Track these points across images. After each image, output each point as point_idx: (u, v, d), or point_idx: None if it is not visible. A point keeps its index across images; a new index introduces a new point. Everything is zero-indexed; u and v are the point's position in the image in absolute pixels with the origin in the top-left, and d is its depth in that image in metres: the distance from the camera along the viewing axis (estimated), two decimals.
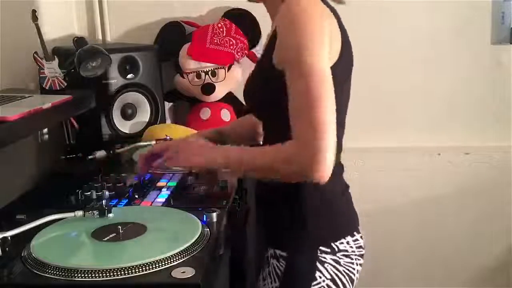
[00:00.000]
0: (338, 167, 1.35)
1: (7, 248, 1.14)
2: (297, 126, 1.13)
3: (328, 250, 1.29)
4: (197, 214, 1.30)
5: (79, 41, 1.79)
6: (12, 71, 1.83)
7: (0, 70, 1.76)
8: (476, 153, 2.49)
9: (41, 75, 1.79)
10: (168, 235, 1.21)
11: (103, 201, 1.41)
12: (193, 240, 1.16)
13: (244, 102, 1.46)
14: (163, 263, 1.07)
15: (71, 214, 1.28)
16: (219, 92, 2.29)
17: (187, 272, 1.04)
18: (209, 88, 2.27)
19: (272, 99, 1.24)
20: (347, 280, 1.32)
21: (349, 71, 1.33)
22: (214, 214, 1.29)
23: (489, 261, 2.57)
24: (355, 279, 1.35)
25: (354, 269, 1.34)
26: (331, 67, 1.18)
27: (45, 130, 1.98)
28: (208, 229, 1.23)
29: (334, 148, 1.12)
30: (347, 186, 1.40)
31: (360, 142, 2.19)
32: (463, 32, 2.41)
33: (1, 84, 1.76)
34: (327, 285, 1.30)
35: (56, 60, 1.82)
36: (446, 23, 2.41)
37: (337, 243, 1.31)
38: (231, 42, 2.29)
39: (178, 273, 1.04)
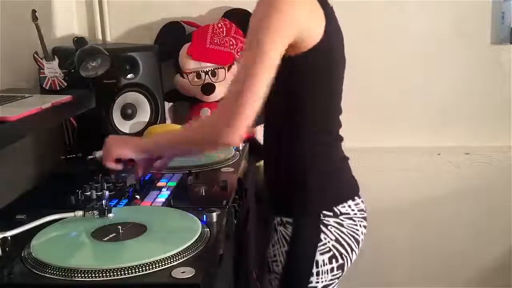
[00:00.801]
0: (336, 140, 1.47)
1: (7, 248, 1.14)
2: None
3: (331, 213, 1.39)
4: (197, 214, 1.30)
5: (79, 41, 1.79)
6: (12, 71, 1.83)
7: (0, 70, 1.76)
8: (476, 153, 2.49)
9: (41, 75, 1.79)
10: (168, 235, 1.20)
11: (103, 201, 1.41)
12: (193, 240, 1.15)
13: None
14: (163, 263, 1.07)
15: (71, 214, 1.27)
16: (219, 92, 2.29)
17: (187, 272, 1.04)
18: (209, 88, 2.27)
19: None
20: (351, 240, 1.42)
21: (332, 61, 1.38)
22: (214, 214, 1.29)
23: (489, 261, 2.57)
24: (360, 240, 1.45)
25: (358, 230, 1.43)
26: (304, 53, 1.28)
27: (45, 130, 1.98)
28: (208, 229, 1.23)
29: (249, 119, 1.20)
30: (346, 158, 1.49)
31: (360, 142, 2.19)
32: (463, 32, 2.41)
33: (1, 84, 1.76)
34: (333, 245, 1.39)
35: (56, 60, 1.82)
36: (446, 23, 2.41)
37: (339, 207, 1.40)
38: (231, 42, 2.29)
39: (178, 273, 1.04)
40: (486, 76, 2.44)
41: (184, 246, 1.12)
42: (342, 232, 1.40)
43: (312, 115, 1.38)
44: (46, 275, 1.06)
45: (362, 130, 2.33)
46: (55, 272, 1.05)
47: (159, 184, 1.58)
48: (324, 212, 1.38)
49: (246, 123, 1.20)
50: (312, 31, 1.29)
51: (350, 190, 1.46)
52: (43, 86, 1.79)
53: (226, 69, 2.28)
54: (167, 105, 2.39)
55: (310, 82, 1.35)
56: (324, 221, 1.38)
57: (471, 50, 2.42)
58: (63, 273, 1.05)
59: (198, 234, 1.19)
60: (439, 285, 2.58)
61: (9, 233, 1.16)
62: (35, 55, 1.80)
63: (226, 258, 1.28)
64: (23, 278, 1.06)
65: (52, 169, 1.90)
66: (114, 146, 1.42)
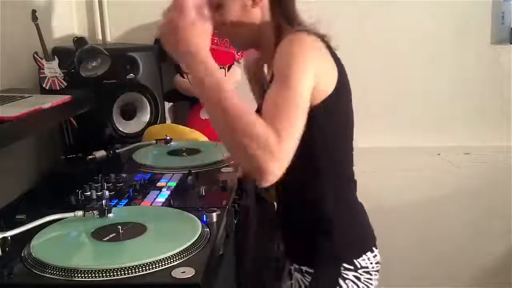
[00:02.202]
0: (354, 183, 1.44)
1: (7, 248, 1.14)
2: (277, 118, 1.14)
3: (351, 267, 1.36)
4: (197, 214, 1.30)
5: (79, 41, 1.79)
6: (12, 71, 1.83)
7: (0, 70, 1.76)
8: (476, 153, 2.49)
9: (41, 75, 1.79)
10: (168, 235, 1.20)
11: (103, 201, 1.41)
12: (193, 240, 1.15)
13: None
14: (163, 263, 1.07)
15: (71, 214, 1.27)
16: None
17: (187, 272, 1.04)
18: None
19: None
20: None
21: (348, 101, 1.38)
22: (214, 214, 1.29)
23: (489, 261, 2.57)
24: None
25: (372, 284, 1.39)
26: (325, 99, 1.26)
27: (45, 130, 1.98)
28: (208, 229, 1.23)
29: (290, 156, 1.14)
30: (361, 204, 1.46)
31: (360, 142, 2.19)
32: (463, 32, 2.41)
33: (1, 84, 1.76)
34: None
35: (56, 60, 1.82)
36: (446, 23, 2.41)
37: (359, 260, 1.37)
38: None
39: (178, 273, 1.04)
40: (486, 76, 2.44)
41: (184, 246, 1.12)
42: (358, 286, 1.37)
43: (335, 158, 1.37)
44: (46, 275, 1.05)
45: (362, 130, 2.32)
46: (55, 272, 1.05)
47: (159, 184, 1.57)
48: (345, 265, 1.35)
49: (289, 156, 1.14)
50: (326, 81, 1.28)
51: (370, 239, 1.43)
52: (43, 86, 1.79)
53: (226, 69, 2.28)
54: (167, 105, 2.39)
55: (333, 128, 1.34)
56: (343, 274, 1.35)
57: (471, 50, 2.42)
58: (63, 273, 1.05)
59: (198, 234, 1.19)
60: (439, 285, 2.58)
61: (9, 233, 1.16)
62: (35, 55, 1.80)
63: (226, 258, 1.28)
64: (23, 278, 1.06)
65: (52, 169, 1.90)
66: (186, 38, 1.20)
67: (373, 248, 1.41)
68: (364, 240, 1.41)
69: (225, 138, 1.16)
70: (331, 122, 1.32)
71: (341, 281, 1.35)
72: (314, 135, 1.28)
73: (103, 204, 1.35)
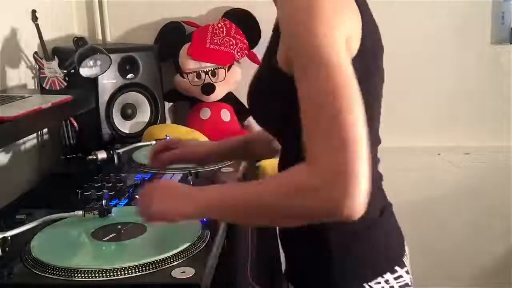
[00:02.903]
0: (378, 182, 1.11)
1: (7, 248, 1.14)
2: (312, 144, 0.82)
3: None
4: None
5: (79, 41, 1.79)
6: (12, 71, 1.83)
7: (0, 70, 1.76)
8: (476, 153, 2.48)
9: (41, 75, 1.79)
10: (168, 235, 1.20)
11: (103, 201, 1.41)
12: (193, 240, 1.15)
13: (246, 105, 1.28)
14: (163, 263, 1.07)
15: (71, 214, 1.28)
16: (219, 92, 2.29)
17: (187, 272, 1.04)
18: (209, 88, 2.27)
19: (281, 111, 1.00)
20: None
21: (376, 58, 1.05)
22: None
23: (490, 261, 2.57)
24: None
25: None
26: (353, 59, 0.90)
27: (45, 130, 1.98)
28: (208, 229, 1.23)
29: (368, 172, 0.80)
30: (389, 204, 1.13)
31: None
32: (463, 32, 2.41)
33: (1, 84, 1.76)
34: None
35: (56, 60, 1.82)
36: (446, 23, 2.41)
37: (371, 283, 1.02)
38: (231, 42, 2.29)
39: (178, 273, 1.04)
40: (486, 76, 2.44)
41: (184, 246, 1.12)
42: None
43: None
44: (46, 275, 1.06)
45: None
46: (55, 272, 1.05)
47: None
48: None
49: (366, 177, 0.79)
50: (352, 35, 0.95)
51: (389, 257, 1.07)
52: (43, 86, 1.79)
53: (226, 69, 2.28)
54: (167, 105, 2.39)
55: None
56: None
57: (471, 50, 2.42)
58: (63, 273, 1.05)
59: (198, 234, 1.19)
60: (439, 285, 2.58)
61: (9, 233, 1.16)
62: (35, 55, 1.80)
63: (226, 258, 1.28)
64: (23, 278, 1.06)
65: (52, 169, 1.90)
66: (157, 200, 1.01)
67: (396, 268, 1.05)
68: (382, 256, 1.06)
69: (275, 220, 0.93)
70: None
71: None
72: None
73: (103, 204, 1.35)
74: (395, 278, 1.04)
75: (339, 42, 0.86)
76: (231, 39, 2.30)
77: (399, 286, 1.04)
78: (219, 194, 0.95)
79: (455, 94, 2.46)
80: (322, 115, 0.81)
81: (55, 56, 1.83)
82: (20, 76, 1.88)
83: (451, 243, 2.54)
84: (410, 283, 1.07)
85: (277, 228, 1.18)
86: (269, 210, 0.87)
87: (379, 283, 1.02)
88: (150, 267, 1.06)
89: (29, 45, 1.88)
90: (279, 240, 1.17)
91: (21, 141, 1.82)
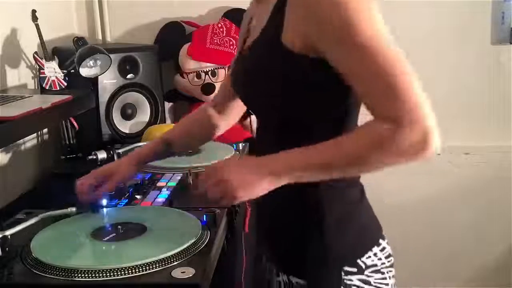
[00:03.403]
0: None
1: (7, 248, 1.14)
2: (388, 104, 0.92)
3: (354, 269, 1.07)
4: (197, 214, 1.30)
5: (79, 41, 1.79)
6: (12, 71, 1.83)
7: (0, 70, 1.76)
8: (476, 153, 2.49)
9: (41, 75, 1.79)
10: (168, 235, 1.20)
11: (99, 198, 1.40)
12: (193, 240, 1.15)
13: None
14: (163, 263, 1.07)
15: (64, 211, 1.29)
16: None
17: (187, 272, 1.04)
18: (209, 88, 2.27)
19: (282, 90, 1.02)
20: None
21: None
22: (214, 214, 1.29)
23: (490, 261, 2.57)
24: None
25: (388, 284, 1.13)
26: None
27: (45, 130, 1.98)
28: (208, 229, 1.23)
29: (429, 110, 0.94)
30: (363, 186, 1.18)
31: None
32: (463, 32, 2.41)
33: (1, 84, 1.76)
34: None
35: (56, 60, 1.82)
36: (446, 23, 2.41)
37: (363, 259, 1.08)
38: (231, 42, 2.29)
39: (178, 273, 1.04)
40: (486, 76, 2.44)
41: (184, 246, 1.12)
42: None
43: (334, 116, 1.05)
44: (46, 275, 1.05)
45: None
46: (55, 272, 1.05)
47: (159, 184, 1.57)
48: (346, 268, 1.06)
49: (433, 119, 0.93)
50: None
51: (375, 231, 1.14)
52: (43, 86, 1.79)
53: (226, 69, 2.28)
54: (167, 105, 2.39)
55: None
56: (346, 280, 1.06)
57: (471, 50, 2.42)
58: (63, 273, 1.05)
59: (198, 234, 1.19)
60: (439, 285, 2.58)
61: (7, 232, 1.17)
62: (35, 55, 1.81)
63: (226, 258, 1.28)
64: (23, 278, 1.06)
65: (52, 169, 1.90)
66: (234, 174, 0.99)
67: (380, 241, 1.12)
68: (368, 232, 1.12)
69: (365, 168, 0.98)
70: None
71: None
72: (318, 82, 1.00)
73: (97, 201, 1.35)
74: (381, 250, 1.12)
75: (378, 14, 0.97)
76: (231, 39, 2.30)
77: (385, 257, 1.12)
78: (303, 156, 0.97)
79: (455, 93, 2.46)
80: (383, 79, 0.92)
81: (55, 56, 1.83)
82: (20, 76, 1.88)
83: (451, 243, 2.54)
84: (392, 253, 1.15)
85: (268, 218, 1.17)
86: (359, 163, 0.96)
87: (369, 257, 1.09)
88: (150, 267, 1.06)
89: (29, 45, 1.89)
90: (270, 231, 1.17)
91: (21, 141, 1.82)
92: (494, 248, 2.55)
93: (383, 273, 1.11)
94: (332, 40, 0.94)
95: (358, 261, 1.07)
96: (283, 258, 1.14)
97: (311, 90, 1.00)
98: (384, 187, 2.46)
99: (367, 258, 1.08)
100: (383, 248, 1.12)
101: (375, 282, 1.09)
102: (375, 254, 1.10)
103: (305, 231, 1.08)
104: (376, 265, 1.10)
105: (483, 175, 2.48)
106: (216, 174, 1.00)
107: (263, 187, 0.98)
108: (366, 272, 1.08)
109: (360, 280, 1.07)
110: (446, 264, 2.56)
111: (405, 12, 2.40)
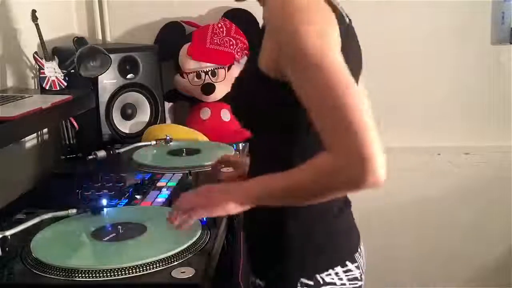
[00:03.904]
0: None
1: (7, 248, 1.14)
2: (328, 134, 0.93)
3: (311, 283, 1.09)
4: None
5: (79, 41, 1.79)
6: (12, 71, 1.83)
7: (0, 70, 1.76)
8: (476, 153, 2.49)
9: (41, 75, 1.79)
10: (168, 235, 1.20)
11: (98, 199, 1.40)
12: (193, 240, 1.16)
13: None
14: (163, 263, 1.07)
15: (65, 212, 1.29)
16: (219, 92, 2.29)
17: (187, 272, 1.04)
18: (209, 88, 2.27)
19: (261, 112, 1.09)
20: None
21: (356, 69, 1.14)
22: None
23: (489, 261, 2.57)
24: None
25: None
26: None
27: (45, 130, 1.98)
28: (208, 230, 1.23)
29: (380, 144, 0.91)
30: (348, 203, 1.20)
31: None
32: (463, 32, 2.41)
33: (1, 84, 1.76)
34: None
35: (56, 60, 1.82)
36: (446, 23, 2.41)
37: (322, 275, 1.10)
38: (231, 42, 2.29)
39: (178, 273, 1.04)
40: (486, 76, 2.44)
41: (184, 246, 1.12)
42: None
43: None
44: (46, 275, 1.06)
45: None
46: (55, 272, 1.05)
47: (159, 184, 1.58)
48: (302, 280, 1.09)
49: (380, 150, 0.91)
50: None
51: (341, 251, 1.14)
52: (43, 86, 1.79)
53: (226, 69, 2.28)
54: (167, 105, 2.39)
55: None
56: None
57: (471, 50, 2.42)
58: (63, 273, 1.05)
59: (198, 234, 1.19)
60: (439, 285, 2.58)
61: (7, 233, 1.17)
62: (35, 55, 1.81)
63: (225, 258, 1.28)
64: (23, 278, 1.07)
65: (52, 169, 1.90)
66: (215, 201, 1.06)
67: (347, 262, 1.12)
68: (334, 251, 1.13)
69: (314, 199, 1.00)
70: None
71: None
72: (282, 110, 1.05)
73: (96, 202, 1.35)
74: (345, 272, 1.12)
75: (333, 41, 0.97)
76: (231, 39, 2.30)
77: (348, 279, 1.12)
78: (258, 186, 1.03)
79: (455, 94, 2.46)
80: (330, 108, 0.92)
81: (55, 56, 1.83)
82: (20, 76, 1.88)
83: (451, 243, 2.54)
84: (359, 278, 1.15)
85: (245, 220, 1.23)
86: (305, 193, 0.98)
87: (329, 274, 1.10)
88: (150, 267, 1.06)
89: (29, 45, 1.88)
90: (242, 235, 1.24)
91: (21, 141, 1.82)
92: (494, 248, 2.55)
93: None
94: (288, 66, 0.97)
95: (317, 275, 1.09)
96: (253, 260, 1.18)
97: (289, 107, 1.03)
98: (384, 187, 2.46)
99: (326, 275, 1.10)
100: (348, 270, 1.13)
101: None
102: (336, 274, 1.11)
103: (272, 238, 1.12)
104: (335, 284, 1.11)
105: (483, 175, 2.48)
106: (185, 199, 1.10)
107: (228, 209, 1.04)
108: None
109: None
110: (446, 264, 2.56)
111: (405, 12, 2.40)
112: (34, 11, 1.79)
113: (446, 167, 2.49)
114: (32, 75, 1.92)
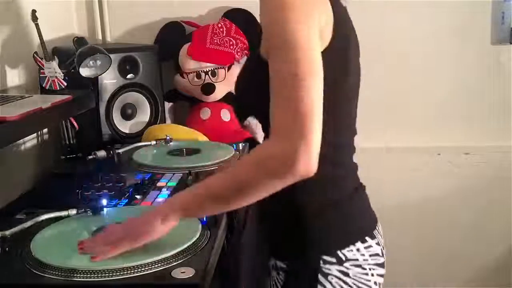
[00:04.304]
0: (351, 166, 1.22)
1: (7, 248, 1.14)
2: (273, 118, 0.96)
3: (333, 259, 1.12)
4: None
5: (79, 41, 1.79)
6: (12, 71, 1.83)
7: (0, 70, 1.76)
8: (476, 153, 2.49)
9: (41, 75, 1.79)
10: (168, 235, 1.20)
11: (98, 199, 1.40)
12: (193, 240, 1.15)
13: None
14: (163, 263, 1.07)
15: (64, 213, 1.28)
16: (219, 92, 2.29)
17: (187, 272, 1.04)
18: (209, 88, 2.27)
19: (264, 95, 1.08)
20: None
21: (347, 61, 1.14)
22: (215, 214, 1.29)
23: (489, 261, 2.57)
24: None
25: (369, 280, 1.14)
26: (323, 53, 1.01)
27: (45, 130, 1.98)
28: (208, 229, 1.23)
29: (319, 136, 0.93)
30: (362, 186, 1.23)
31: (360, 142, 2.18)
32: (463, 32, 2.41)
33: (1, 84, 1.76)
34: None
35: (56, 60, 1.82)
36: (446, 23, 2.41)
37: (344, 251, 1.12)
38: (231, 42, 2.29)
39: (178, 273, 1.04)
40: (486, 76, 2.44)
41: (184, 246, 1.12)
42: (346, 283, 1.12)
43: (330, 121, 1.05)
44: (46, 275, 1.06)
45: (362, 130, 2.32)
46: (55, 272, 1.05)
47: (159, 184, 1.57)
48: (324, 257, 1.11)
49: (317, 140, 0.93)
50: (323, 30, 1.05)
51: (363, 228, 1.17)
52: (43, 86, 1.79)
53: (226, 69, 2.28)
54: (167, 105, 2.39)
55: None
56: (324, 269, 1.11)
57: (471, 50, 2.42)
58: (63, 273, 1.05)
59: (198, 234, 1.19)
60: (439, 285, 2.58)
61: (6, 232, 1.17)
62: (35, 55, 1.80)
63: (225, 258, 1.28)
64: (23, 278, 1.06)
65: (52, 169, 1.90)
66: (140, 234, 1.07)
67: (367, 238, 1.15)
68: (353, 227, 1.16)
69: (240, 199, 1.02)
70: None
71: (322, 278, 1.11)
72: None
73: (97, 202, 1.35)
74: (365, 247, 1.15)
75: (311, 29, 0.98)
76: (231, 39, 2.30)
77: (369, 255, 1.15)
78: (189, 193, 1.06)
79: (455, 94, 2.46)
80: (283, 92, 0.95)
81: (55, 56, 1.83)
82: (20, 76, 1.88)
83: (451, 243, 2.54)
84: (381, 254, 1.18)
85: (261, 205, 1.20)
86: (240, 182, 0.99)
87: (351, 250, 1.13)
88: (150, 267, 1.06)
89: (29, 45, 1.88)
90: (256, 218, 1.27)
91: (21, 141, 1.82)
92: (494, 248, 2.55)
93: (364, 268, 1.14)
94: (267, 48, 1.01)
95: (338, 252, 1.12)
96: (272, 242, 1.21)
97: None
98: (384, 186, 2.46)
99: (348, 251, 1.13)
100: (369, 246, 1.16)
101: (354, 275, 1.13)
102: (357, 249, 1.14)
103: (291, 218, 1.14)
104: (357, 260, 1.13)
105: (483, 175, 2.48)
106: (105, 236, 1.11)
107: (154, 228, 1.06)
108: (345, 264, 1.12)
109: (338, 270, 1.12)
110: (446, 264, 2.56)
111: (405, 12, 2.40)
112: (34, 11, 1.79)
113: (446, 167, 2.50)
114: (32, 75, 1.92)
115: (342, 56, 1.11)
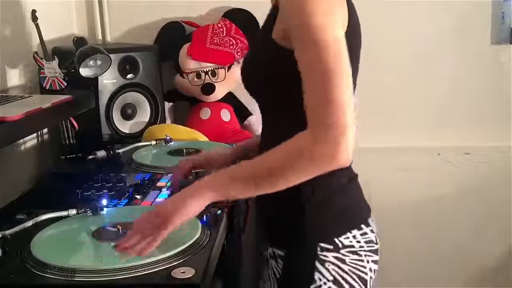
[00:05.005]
0: None
1: (7, 248, 1.14)
2: (309, 110, 1.00)
3: (330, 246, 1.15)
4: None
5: (79, 41, 1.79)
6: (12, 71, 1.83)
7: (0, 70, 1.76)
8: (476, 153, 2.49)
9: (41, 75, 1.79)
10: (168, 235, 1.20)
11: (98, 199, 1.40)
12: (193, 240, 1.15)
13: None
14: (163, 263, 1.07)
15: (64, 213, 1.28)
16: (219, 92, 2.29)
17: (187, 272, 1.04)
18: (209, 88, 2.27)
19: (275, 82, 1.14)
20: (355, 281, 1.17)
21: (357, 47, 1.19)
22: (214, 214, 1.29)
23: (489, 261, 2.57)
24: (368, 278, 1.19)
25: (365, 267, 1.18)
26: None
27: (45, 130, 1.98)
28: (208, 229, 1.23)
29: (354, 129, 0.98)
30: (355, 175, 1.25)
31: (360, 142, 2.18)
32: (463, 32, 2.41)
33: (1, 84, 1.76)
34: (329, 287, 1.15)
35: (56, 60, 1.82)
36: (446, 23, 2.41)
37: (340, 238, 1.15)
38: (231, 42, 2.29)
39: (178, 273, 1.04)
40: (486, 76, 2.44)
41: (184, 246, 1.12)
42: (342, 270, 1.15)
43: None
44: (46, 275, 1.05)
45: (362, 130, 2.31)
46: (55, 272, 1.05)
47: (159, 184, 1.57)
48: (322, 244, 1.14)
49: (352, 132, 0.98)
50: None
51: (358, 216, 1.21)
52: (43, 86, 1.79)
53: (226, 69, 2.29)
54: (167, 105, 2.39)
55: None
56: (321, 256, 1.14)
57: (471, 50, 2.42)
58: (63, 273, 1.05)
59: (198, 234, 1.19)
60: (439, 285, 2.58)
61: (7, 232, 1.17)
62: (35, 55, 1.80)
63: (226, 258, 1.28)
64: (23, 278, 1.06)
65: (52, 169, 1.90)
66: (173, 213, 1.08)
67: (362, 226, 1.19)
68: (349, 215, 1.19)
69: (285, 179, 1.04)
70: None
71: (319, 265, 1.14)
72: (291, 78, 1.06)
73: (96, 202, 1.35)
74: (361, 234, 1.19)
75: (337, 22, 1.03)
76: (231, 39, 2.30)
77: (365, 241, 1.19)
78: (227, 175, 1.08)
79: (455, 94, 2.46)
80: (317, 86, 0.99)
81: (55, 56, 1.83)
82: (20, 76, 1.88)
83: (451, 243, 2.54)
84: (375, 240, 1.22)
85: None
86: (277, 173, 1.03)
87: (347, 238, 1.16)
88: (150, 267, 1.06)
89: (29, 45, 1.89)
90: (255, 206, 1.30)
91: (21, 141, 1.82)
92: (494, 248, 2.55)
93: (360, 255, 1.17)
94: (293, 37, 1.04)
95: (335, 239, 1.15)
96: (269, 229, 1.24)
97: (297, 79, 1.05)
98: (384, 187, 2.46)
99: (344, 238, 1.16)
100: (364, 233, 1.19)
101: (350, 262, 1.16)
102: (354, 236, 1.17)
103: (291, 207, 1.17)
104: (353, 246, 1.17)
105: (483, 175, 2.48)
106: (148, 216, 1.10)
107: (194, 206, 1.08)
108: (342, 251, 1.15)
109: (335, 257, 1.15)
110: (446, 264, 2.56)
111: (405, 12, 2.40)
112: (34, 11, 1.79)
113: (446, 167, 2.50)
114: (32, 75, 1.92)
115: (353, 52, 1.12)
